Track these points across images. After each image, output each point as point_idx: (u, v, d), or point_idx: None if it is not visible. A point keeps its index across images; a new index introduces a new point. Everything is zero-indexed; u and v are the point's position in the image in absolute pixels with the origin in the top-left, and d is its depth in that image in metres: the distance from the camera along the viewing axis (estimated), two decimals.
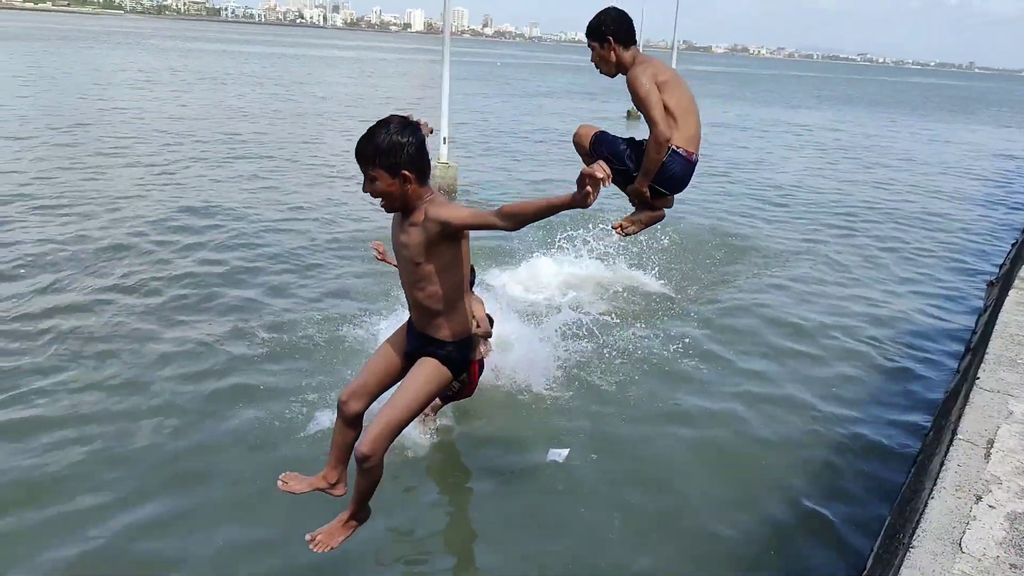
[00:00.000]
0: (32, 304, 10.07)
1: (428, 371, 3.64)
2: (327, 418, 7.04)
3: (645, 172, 4.54)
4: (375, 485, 3.88)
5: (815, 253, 15.27)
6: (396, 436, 3.69)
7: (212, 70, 57.88)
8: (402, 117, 3.33)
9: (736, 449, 7.57)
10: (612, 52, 4.51)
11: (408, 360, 3.82)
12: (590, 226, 13.13)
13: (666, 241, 14.67)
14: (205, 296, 10.75)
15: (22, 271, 11.30)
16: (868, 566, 5.38)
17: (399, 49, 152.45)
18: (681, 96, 4.47)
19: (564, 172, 22.23)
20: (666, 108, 4.37)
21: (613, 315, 10.64)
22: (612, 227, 5.20)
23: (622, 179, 4.79)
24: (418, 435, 6.81)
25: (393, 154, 3.21)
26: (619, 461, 7.10)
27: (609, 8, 4.57)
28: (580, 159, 5.29)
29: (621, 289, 11.86)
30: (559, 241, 13.14)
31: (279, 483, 4.24)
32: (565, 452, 7.06)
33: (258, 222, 14.93)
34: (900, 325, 11.42)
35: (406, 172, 3.26)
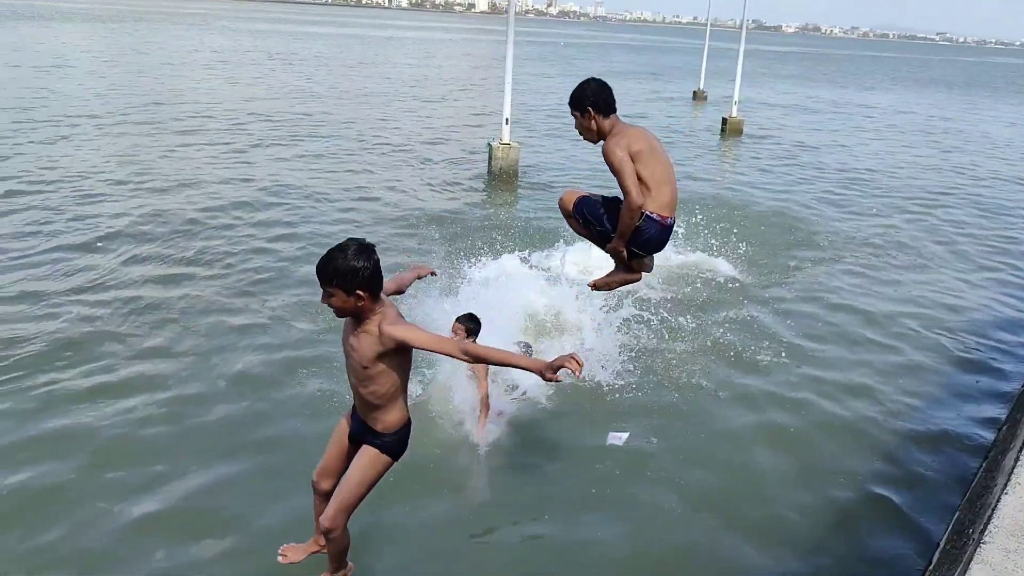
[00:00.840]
0: (111, 275, 10.52)
1: (369, 459, 4.10)
2: None
3: (620, 234, 4.82)
4: (345, 550, 4.43)
5: (888, 238, 14.82)
6: (352, 511, 4.16)
7: (280, 50, 58.99)
8: (359, 242, 3.54)
9: (802, 433, 7.48)
10: (592, 121, 4.75)
11: (353, 444, 4.26)
12: None
13: (730, 225, 14.44)
14: (274, 272, 11.04)
15: (100, 244, 11.79)
16: (935, 560, 5.26)
17: (463, 30, 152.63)
18: (655, 166, 4.67)
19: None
20: (641, 177, 4.57)
21: (675, 299, 10.56)
22: (588, 284, 5.49)
23: (601, 239, 5.09)
24: (475, 426, 6.89)
25: (349, 278, 3.43)
26: (680, 445, 7.06)
27: (589, 80, 4.83)
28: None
29: (683, 273, 11.73)
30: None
31: (279, 557, 4.66)
32: (625, 436, 7.05)
33: (324, 201, 15.24)
34: (976, 315, 11.03)
35: (360, 292, 3.45)
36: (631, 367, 8.39)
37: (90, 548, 5.43)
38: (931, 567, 5.24)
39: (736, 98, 28.74)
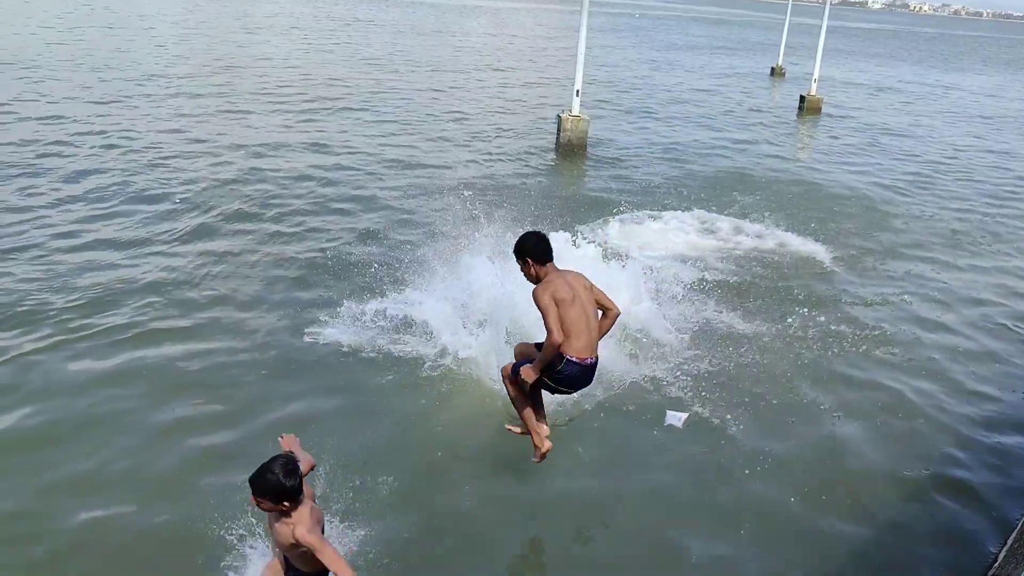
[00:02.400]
0: (186, 228, 10.94)
1: None
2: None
3: (539, 360, 5.30)
4: None
5: (968, 224, 14.22)
6: None
7: (354, 17, 59.46)
8: (286, 461, 3.88)
9: (875, 414, 7.36)
10: (531, 268, 5.39)
11: None
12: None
13: (805, 204, 14.09)
14: (340, 233, 11.25)
15: (177, 199, 12.22)
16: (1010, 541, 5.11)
17: None
18: (577, 315, 5.22)
19: (695, 135, 21.60)
20: (561, 323, 5.11)
21: (743, 278, 10.37)
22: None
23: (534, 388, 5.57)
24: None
25: (275, 492, 3.83)
26: (741, 430, 6.94)
27: (529, 234, 5.51)
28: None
29: (753, 251, 11.51)
30: (670, 202, 12.86)
31: None
32: (684, 416, 6.97)
33: (393, 167, 15.39)
34: None
35: (286, 503, 3.87)
36: (694, 345, 8.28)
37: (147, 472, 5.83)
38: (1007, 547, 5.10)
39: (816, 76, 27.79)
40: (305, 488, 4.03)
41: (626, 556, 5.44)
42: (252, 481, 3.88)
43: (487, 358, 7.24)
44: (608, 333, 5.71)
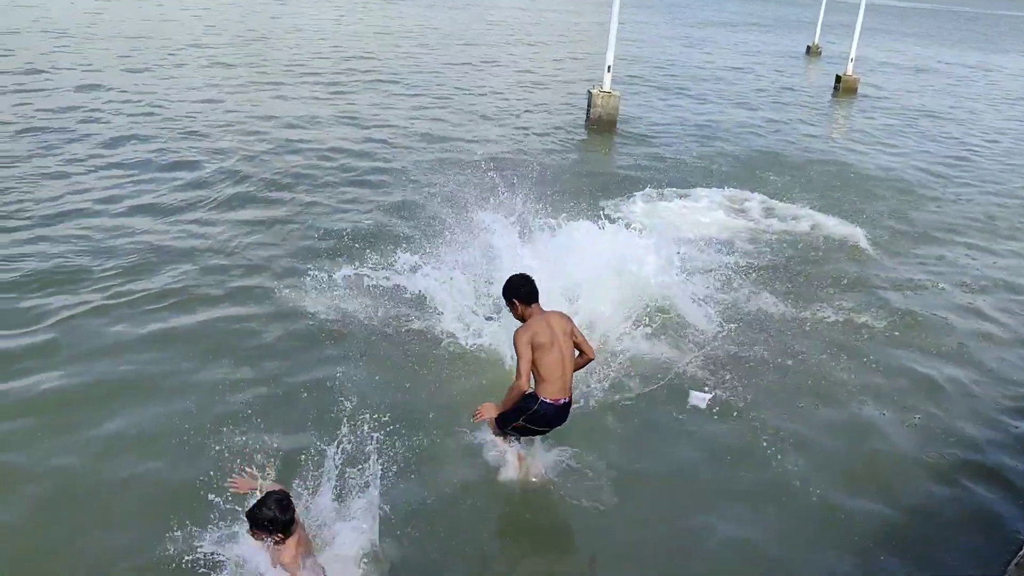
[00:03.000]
0: (219, 202, 11.09)
1: None
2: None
3: (502, 403, 5.48)
4: None
5: (1006, 210, 13.95)
6: None
7: None
8: (280, 498, 4.24)
9: (908, 400, 7.31)
10: (517, 308, 5.58)
11: None
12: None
13: (839, 186, 13.90)
14: (369, 205, 11.33)
15: (213, 172, 12.35)
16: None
17: None
18: (554, 360, 5.41)
19: (728, 114, 21.30)
20: (539, 366, 5.35)
21: (770, 258, 10.28)
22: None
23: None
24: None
25: (270, 526, 4.20)
26: (766, 412, 6.92)
27: (516, 276, 5.70)
28: None
29: (787, 232, 11.40)
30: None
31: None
32: (707, 397, 6.96)
33: (423, 139, 15.40)
34: None
35: (279, 535, 4.26)
36: (721, 327, 8.22)
37: (176, 431, 5.98)
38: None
39: (853, 55, 27.25)
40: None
41: (648, 534, 5.49)
42: (249, 516, 4.28)
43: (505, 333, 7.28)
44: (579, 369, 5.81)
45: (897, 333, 8.59)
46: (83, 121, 14.68)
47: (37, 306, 7.80)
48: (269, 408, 6.38)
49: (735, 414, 6.82)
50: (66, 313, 7.69)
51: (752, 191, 13.11)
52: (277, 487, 4.54)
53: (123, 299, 8.04)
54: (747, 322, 8.42)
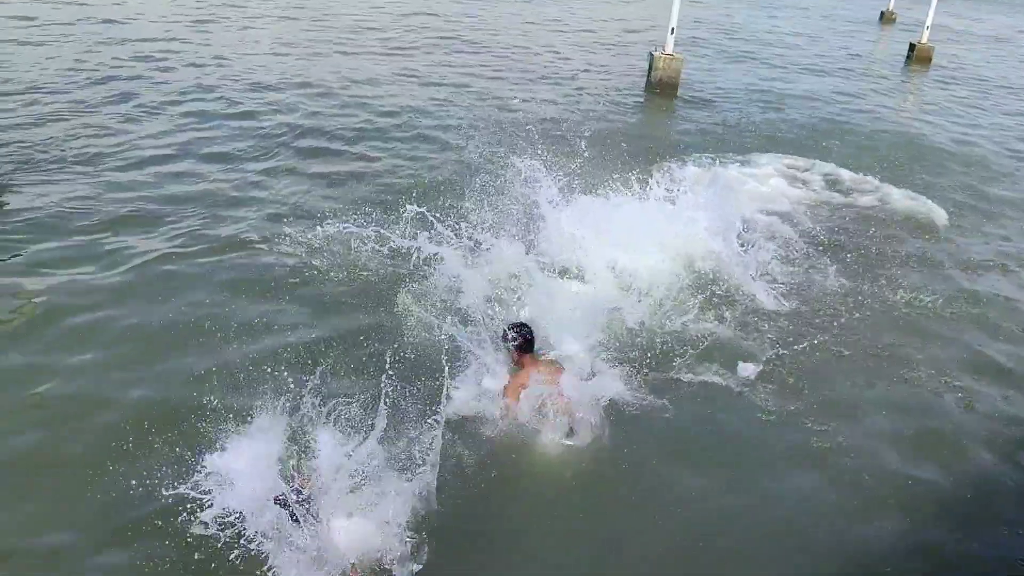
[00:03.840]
0: (278, 150, 11.33)
1: None
2: None
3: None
4: None
5: None
6: None
7: None
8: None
9: (965, 379, 7.15)
10: (513, 354, 6.05)
11: None
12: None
13: (907, 161, 13.46)
14: (422, 165, 11.40)
15: (274, 126, 12.56)
16: None
17: None
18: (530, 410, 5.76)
19: (794, 81, 20.69)
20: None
21: (831, 230, 10.06)
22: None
23: None
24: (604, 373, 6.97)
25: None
26: (820, 384, 6.84)
27: (515, 325, 6.16)
28: None
29: (843, 203, 11.13)
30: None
31: None
32: (756, 369, 6.89)
33: (483, 98, 15.38)
34: None
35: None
36: (775, 300, 8.09)
37: (226, 368, 6.22)
38: None
39: (929, 22, 26.10)
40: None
41: (691, 501, 5.52)
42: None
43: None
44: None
45: (961, 312, 8.38)
46: (153, 71, 15.03)
47: (113, 249, 8.17)
48: (316, 351, 6.59)
49: (785, 386, 6.76)
50: (139, 259, 8.02)
51: (816, 160, 12.80)
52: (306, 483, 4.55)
53: (191, 245, 8.35)
54: (803, 295, 8.29)
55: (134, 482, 5.02)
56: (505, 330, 6.17)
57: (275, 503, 4.31)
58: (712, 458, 5.95)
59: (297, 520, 4.31)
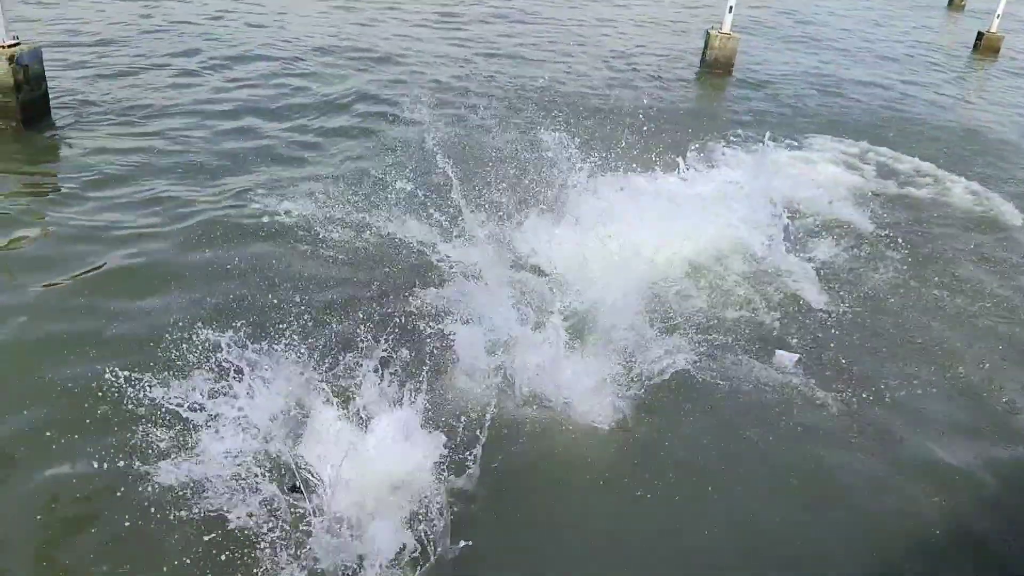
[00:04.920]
0: (333, 116, 11.33)
1: None
2: None
3: None
4: None
5: None
6: None
7: None
8: None
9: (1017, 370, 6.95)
10: None
11: None
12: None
13: (969, 155, 13.00)
14: (463, 129, 11.34)
15: (331, 92, 12.55)
16: None
17: None
18: None
19: (854, 67, 20.07)
20: None
21: (882, 220, 9.77)
22: None
23: None
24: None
25: None
26: (863, 374, 6.69)
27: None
28: None
29: (897, 193, 10.81)
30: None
31: None
32: (795, 357, 6.75)
33: (519, 79, 15.22)
34: None
35: None
36: (818, 290, 7.92)
37: (261, 308, 6.14)
38: None
39: (1000, 11, 25.05)
40: None
41: (744, 479, 5.45)
42: None
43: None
44: None
45: (1014, 305, 8.08)
46: (216, 28, 15.17)
47: (172, 197, 8.51)
48: (359, 304, 6.74)
49: (827, 376, 6.61)
50: (198, 205, 8.33)
51: (873, 147, 12.42)
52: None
53: (242, 198, 8.61)
54: (849, 286, 8.09)
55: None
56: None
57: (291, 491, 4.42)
58: (761, 444, 5.85)
59: (300, 490, 4.34)
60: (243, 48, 14.21)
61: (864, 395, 6.41)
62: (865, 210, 10.03)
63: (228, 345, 5.32)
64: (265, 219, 8.17)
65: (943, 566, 5.06)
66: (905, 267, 8.64)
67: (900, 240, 9.28)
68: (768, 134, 11.89)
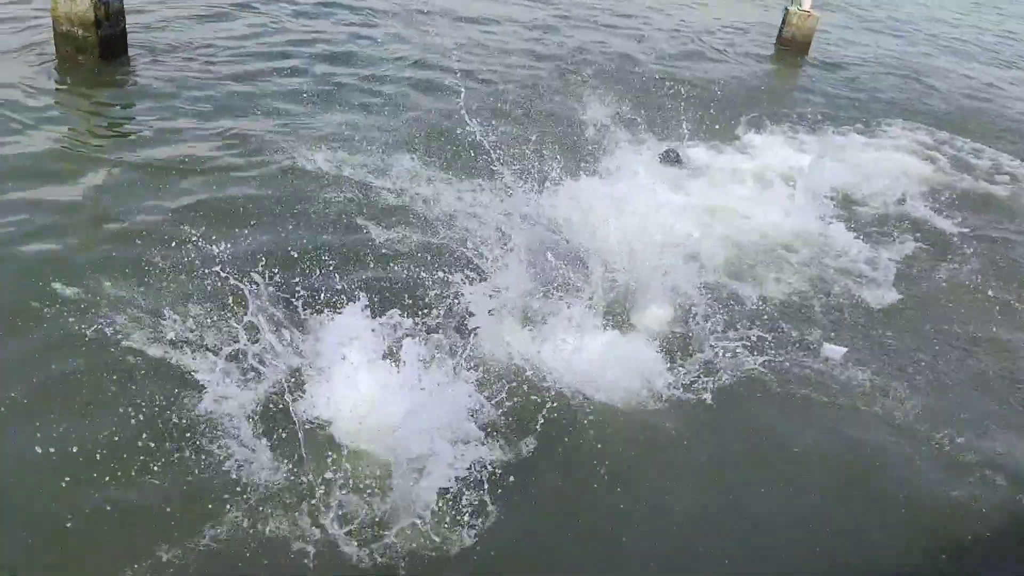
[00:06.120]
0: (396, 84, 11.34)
1: None
2: None
3: None
4: None
5: None
6: None
7: None
8: None
9: None
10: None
11: None
12: None
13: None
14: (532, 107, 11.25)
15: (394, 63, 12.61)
16: None
17: None
18: None
19: (941, 59, 19.17)
20: None
21: (953, 216, 9.41)
22: None
23: None
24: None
25: None
26: (897, 381, 6.47)
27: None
28: None
29: (974, 189, 10.40)
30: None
31: None
32: (842, 351, 6.60)
33: (591, 61, 15.00)
34: None
35: None
36: (875, 285, 7.69)
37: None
38: None
39: None
40: None
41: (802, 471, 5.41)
42: None
43: None
44: None
45: None
46: None
47: (243, 136, 8.70)
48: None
49: (878, 372, 6.44)
50: (267, 150, 8.48)
51: (951, 137, 11.94)
52: None
53: (316, 146, 8.69)
54: (913, 284, 7.83)
55: None
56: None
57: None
58: (805, 439, 5.73)
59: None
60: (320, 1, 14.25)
61: (918, 395, 6.23)
62: (935, 204, 9.68)
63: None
64: (333, 169, 8.21)
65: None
66: (973, 269, 8.32)
67: (970, 239, 8.95)
68: (838, 117, 11.63)
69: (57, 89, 9.31)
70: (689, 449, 5.46)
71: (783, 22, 16.45)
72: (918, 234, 8.78)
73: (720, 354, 6.28)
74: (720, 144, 10.31)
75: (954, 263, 8.37)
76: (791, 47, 16.14)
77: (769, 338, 6.60)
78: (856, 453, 5.62)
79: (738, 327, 6.66)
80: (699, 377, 5.97)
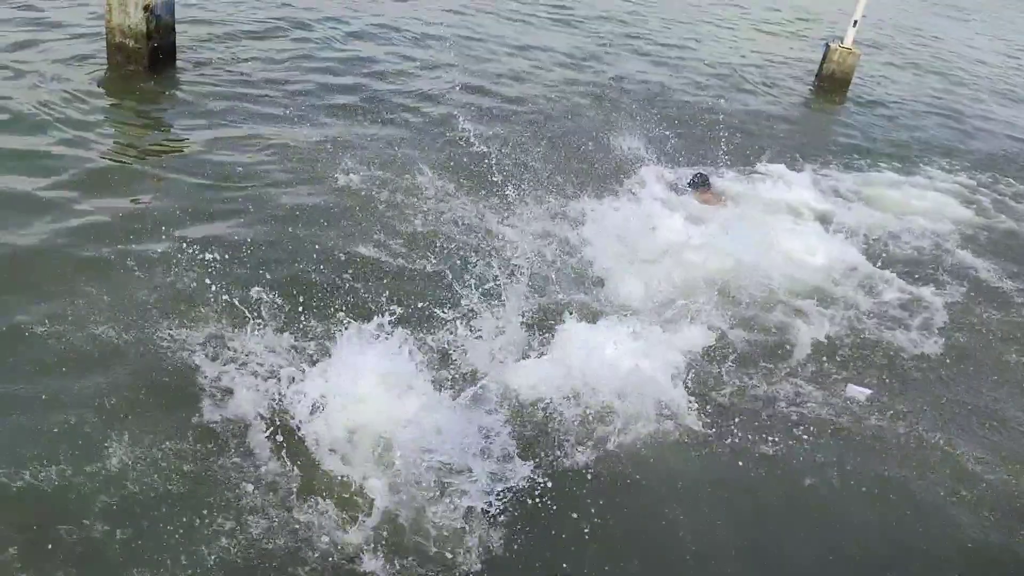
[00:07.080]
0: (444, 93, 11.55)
1: None
2: None
3: None
4: None
5: None
6: None
7: None
8: None
9: None
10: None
11: None
12: None
13: None
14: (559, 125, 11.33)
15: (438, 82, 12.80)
16: None
17: None
18: None
19: (984, 103, 18.85)
20: None
21: (988, 260, 9.25)
22: None
23: None
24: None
25: None
26: (936, 429, 6.35)
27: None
28: None
29: (1012, 233, 10.22)
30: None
31: None
32: (867, 392, 6.48)
33: (628, 90, 15.07)
34: None
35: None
36: (907, 329, 7.56)
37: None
38: None
39: None
40: None
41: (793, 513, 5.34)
42: None
43: None
44: None
45: None
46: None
47: (281, 145, 9.01)
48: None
49: (902, 416, 6.32)
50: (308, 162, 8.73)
51: (996, 177, 11.76)
52: None
53: (363, 167, 8.77)
54: (946, 331, 7.61)
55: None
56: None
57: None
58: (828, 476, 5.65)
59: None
60: (370, 22, 14.49)
61: (945, 442, 6.11)
62: (974, 246, 9.53)
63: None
64: (371, 188, 8.36)
65: None
66: (1011, 315, 8.16)
67: (1009, 282, 8.78)
68: (876, 155, 11.53)
69: (107, 98, 9.61)
70: (713, 482, 5.40)
71: (824, 58, 16.38)
72: (955, 276, 8.62)
73: (748, 390, 6.21)
74: (755, 176, 10.28)
75: (991, 308, 8.19)
76: (831, 83, 16.06)
77: (792, 374, 6.54)
78: (882, 494, 5.53)
79: (767, 363, 6.61)
80: (727, 412, 5.92)
